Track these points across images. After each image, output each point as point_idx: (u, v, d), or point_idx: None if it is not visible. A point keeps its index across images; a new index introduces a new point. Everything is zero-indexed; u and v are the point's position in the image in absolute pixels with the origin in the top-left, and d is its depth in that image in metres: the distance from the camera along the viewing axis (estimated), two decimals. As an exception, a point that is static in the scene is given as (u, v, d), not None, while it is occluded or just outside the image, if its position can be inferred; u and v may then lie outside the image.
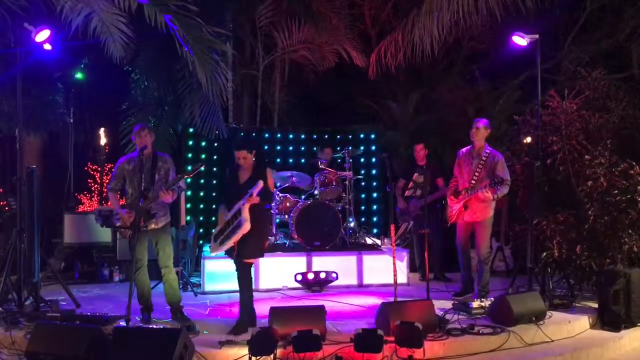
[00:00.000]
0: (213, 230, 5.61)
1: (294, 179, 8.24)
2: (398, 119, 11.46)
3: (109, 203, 10.03)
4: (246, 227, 5.02)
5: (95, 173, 10.59)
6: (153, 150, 5.63)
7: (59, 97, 9.94)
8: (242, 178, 5.38)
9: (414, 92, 11.46)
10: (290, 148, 10.23)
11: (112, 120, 9.77)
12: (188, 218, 8.78)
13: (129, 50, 7.81)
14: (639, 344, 5.60)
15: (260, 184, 5.05)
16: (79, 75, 9.97)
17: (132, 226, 5.34)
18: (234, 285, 6.91)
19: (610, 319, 5.75)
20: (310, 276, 7.29)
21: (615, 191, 6.34)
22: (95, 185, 10.52)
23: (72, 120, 9.94)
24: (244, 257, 5.34)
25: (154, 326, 5.28)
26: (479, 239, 6.55)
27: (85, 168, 10.56)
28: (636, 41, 9.63)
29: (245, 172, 5.39)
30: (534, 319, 5.42)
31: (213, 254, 5.70)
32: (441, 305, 5.95)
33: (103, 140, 10.39)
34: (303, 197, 8.39)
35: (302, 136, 10.32)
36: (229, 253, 5.37)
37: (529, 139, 7.37)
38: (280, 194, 8.15)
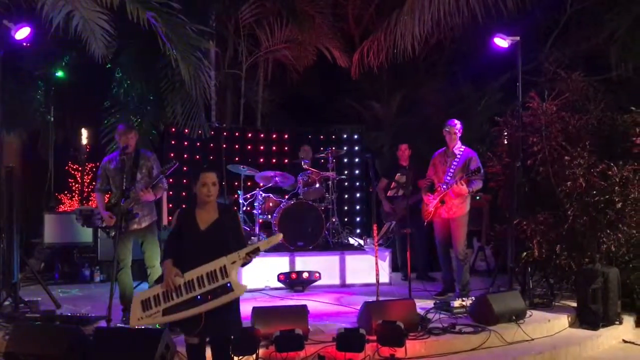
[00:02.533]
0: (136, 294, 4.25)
1: (277, 179, 8.24)
2: (381, 119, 11.52)
3: (90, 203, 10.03)
4: (238, 292, 3.76)
5: (76, 173, 10.50)
6: (136, 149, 5.60)
7: (39, 96, 9.83)
8: (203, 219, 3.88)
9: (397, 92, 11.52)
10: (274, 148, 10.23)
11: (93, 119, 9.70)
12: (171, 218, 8.74)
13: (111, 48, 7.74)
14: (616, 342, 5.69)
15: (259, 247, 3.78)
16: (59, 74, 9.87)
17: (114, 227, 5.31)
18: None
19: (589, 318, 5.83)
20: (293, 276, 7.30)
21: (594, 192, 6.43)
22: (76, 185, 10.43)
23: (52, 119, 9.85)
24: (221, 332, 3.88)
25: (136, 326, 5.24)
26: (455, 237, 6.61)
27: (66, 167, 10.46)
28: (615, 44, 9.75)
29: (209, 211, 3.92)
30: (514, 318, 5.48)
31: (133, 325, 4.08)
32: (423, 304, 5.99)
33: (84, 140, 10.30)
34: (286, 197, 8.40)
35: (286, 136, 10.32)
36: (187, 327, 3.84)
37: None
38: (264, 194, 8.14)
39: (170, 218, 8.04)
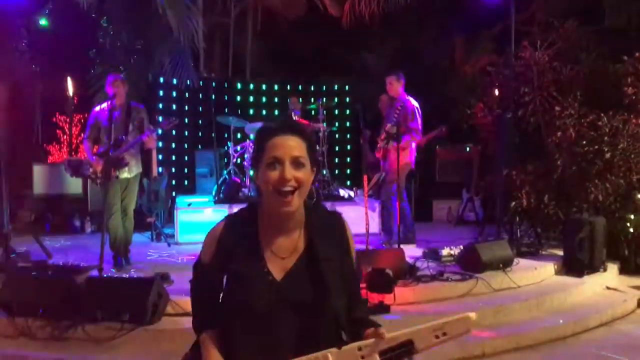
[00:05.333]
0: None
1: (267, 130, 8.15)
2: (372, 70, 11.39)
3: (79, 154, 9.96)
4: None
5: (64, 124, 10.38)
6: (127, 101, 5.58)
7: (23, 45, 9.61)
8: (277, 256, 1.77)
9: (388, 43, 11.36)
10: (264, 99, 10.14)
11: (79, 70, 9.52)
12: (160, 169, 8.72)
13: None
14: (600, 289, 5.81)
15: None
16: (43, 22, 9.62)
17: (104, 174, 5.32)
18: (207, 235, 6.94)
19: (575, 266, 5.93)
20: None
21: (584, 142, 6.46)
22: (65, 137, 10.33)
23: (38, 69, 9.66)
24: None
25: (128, 275, 5.29)
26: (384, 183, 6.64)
27: (54, 119, 10.33)
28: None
29: (289, 232, 1.79)
30: (501, 266, 5.56)
31: None
32: (412, 253, 6.06)
33: (71, 90, 10.15)
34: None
35: (276, 87, 10.21)
36: None
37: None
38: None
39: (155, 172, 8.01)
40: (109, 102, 5.41)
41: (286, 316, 1.69)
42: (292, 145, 1.69)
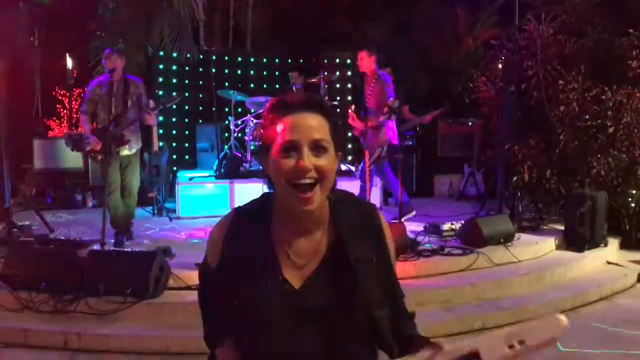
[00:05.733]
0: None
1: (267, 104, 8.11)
2: (374, 42, 11.26)
3: (79, 128, 9.93)
4: None
5: (63, 98, 10.31)
6: (124, 74, 5.51)
7: (21, 18, 9.50)
8: (296, 260, 1.47)
9: (390, 14, 11.21)
10: (265, 73, 10.05)
11: (79, 43, 9.42)
12: (161, 144, 8.69)
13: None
14: (601, 263, 5.83)
15: None
16: (41, -5, 9.51)
17: (103, 151, 5.29)
18: (209, 210, 6.97)
19: (575, 240, 5.94)
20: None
21: (587, 116, 6.41)
22: (65, 111, 10.28)
23: (36, 43, 9.57)
24: None
25: (129, 249, 5.31)
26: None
27: (53, 93, 10.27)
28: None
29: (308, 232, 1.48)
30: (502, 240, 5.57)
31: None
32: (414, 228, 6.07)
33: (70, 64, 10.06)
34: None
35: (277, 60, 10.11)
36: None
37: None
38: (255, 120, 8.06)
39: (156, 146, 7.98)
40: (107, 76, 5.36)
41: (309, 332, 1.40)
42: (312, 126, 1.35)
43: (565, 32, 6.81)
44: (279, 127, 1.36)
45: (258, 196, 1.55)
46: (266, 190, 1.49)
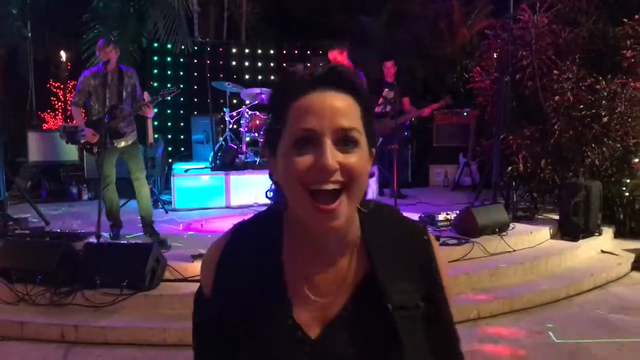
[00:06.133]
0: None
1: (263, 96, 8.10)
2: (370, 34, 11.25)
3: (74, 121, 9.90)
4: None
5: (58, 90, 10.28)
6: (118, 65, 5.47)
7: (15, 10, 9.44)
8: (313, 297, 1.09)
9: (386, 5, 11.19)
10: (259, 64, 10.03)
11: (72, 35, 9.37)
12: (156, 136, 8.68)
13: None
14: (595, 252, 5.86)
15: None
16: (35, -14, 9.44)
17: (98, 143, 5.27)
18: (204, 202, 6.98)
19: (570, 230, 5.96)
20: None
21: (581, 106, 6.42)
22: (59, 104, 10.25)
23: (30, 35, 9.51)
24: None
25: (125, 242, 5.32)
26: None
27: (48, 85, 10.23)
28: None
29: (330, 260, 1.10)
30: (497, 230, 5.59)
31: None
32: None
33: (64, 56, 10.01)
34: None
35: (272, 51, 10.09)
36: None
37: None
38: (250, 112, 8.05)
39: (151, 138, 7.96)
40: (100, 68, 5.33)
41: None
42: (338, 109, 0.99)
43: (560, 22, 6.80)
44: (291, 112, 1.00)
45: (263, 209, 1.17)
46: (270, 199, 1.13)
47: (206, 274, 1.13)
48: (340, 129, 0.98)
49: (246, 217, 1.18)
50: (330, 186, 0.97)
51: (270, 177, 1.10)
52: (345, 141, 0.98)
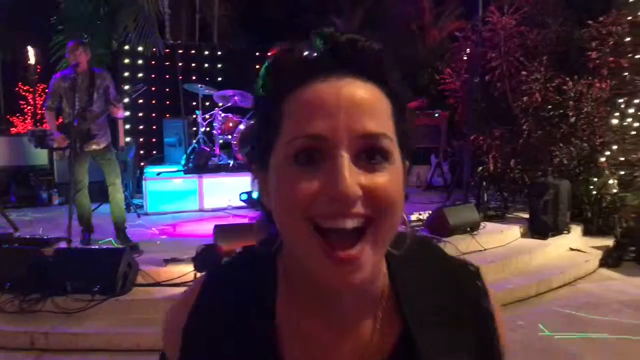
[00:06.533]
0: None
1: (236, 98, 8.09)
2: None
3: (44, 125, 9.75)
4: None
5: (27, 94, 10.12)
6: (89, 67, 5.39)
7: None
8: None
9: (358, 7, 11.26)
10: (232, 66, 9.99)
11: (41, 37, 9.24)
12: (127, 139, 8.60)
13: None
14: (564, 250, 5.98)
15: None
16: (0, -12, 9.29)
17: (69, 147, 5.19)
18: (177, 206, 6.92)
19: (539, 228, 6.07)
20: (255, 194, 7.33)
21: (549, 106, 6.55)
22: (28, 107, 10.09)
23: (-3, 37, 9.36)
24: None
25: (96, 247, 5.25)
26: None
27: (16, 89, 10.06)
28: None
29: (349, 307, 0.76)
30: (468, 229, 5.67)
31: None
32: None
33: (33, 59, 9.86)
34: (246, 116, 8.30)
35: (244, 53, 10.06)
36: None
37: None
38: (223, 114, 8.02)
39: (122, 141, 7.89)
40: (71, 70, 5.26)
41: None
42: (360, 103, 0.67)
43: (527, 24, 6.93)
44: (288, 111, 0.68)
45: (246, 249, 0.86)
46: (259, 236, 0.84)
47: (169, 341, 0.82)
48: (364, 135, 0.65)
49: (224, 261, 0.86)
50: (350, 224, 0.65)
51: (259, 202, 0.80)
52: (371, 154, 0.66)
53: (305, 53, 0.71)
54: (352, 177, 0.64)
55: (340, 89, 0.67)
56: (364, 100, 0.67)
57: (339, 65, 0.69)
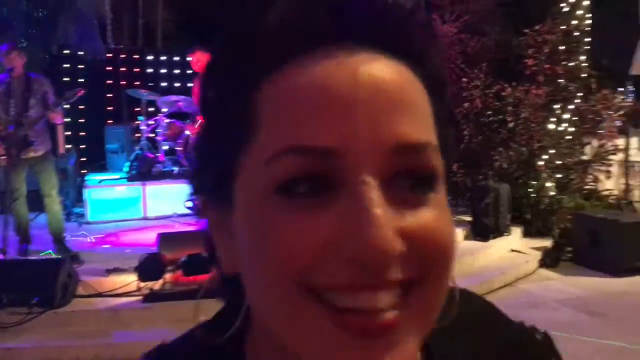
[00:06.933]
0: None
1: (180, 103, 7.96)
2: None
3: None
4: None
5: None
6: (27, 73, 5.22)
7: None
8: None
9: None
10: (177, 71, 9.86)
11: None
12: (68, 146, 8.35)
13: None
14: (505, 252, 6.14)
15: None
16: None
17: (6, 154, 5.01)
18: (120, 214, 6.76)
19: (481, 230, 6.23)
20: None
21: (489, 112, 6.75)
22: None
23: None
24: None
25: (34, 257, 5.08)
26: None
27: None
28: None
29: None
30: (413, 233, 5.74)
31: None
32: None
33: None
34: (190, 122, 8.19)
35: (189, 58, 9.93)
36: None
37: None
38: (167, 120, 7.89)
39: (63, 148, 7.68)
40: (6, 75, 5.09)
41: None
42: (387, 90, 0.39)
43: (468, 32, 7.12)
44: (268, 105, 0.40)
45: (185, 337, 0.54)
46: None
47: None
48: (399, 146, 0.39)
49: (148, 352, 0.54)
50: (384, 300, 0.38)
51: (210, 261, 0.51)
52: (410, 177, 0.40)
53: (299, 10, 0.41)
54: (388, 220, 0.37)
55: (355, 69, 0.39)
56: (396, 89, 0.40)
57: (349, 31, 0.40)
